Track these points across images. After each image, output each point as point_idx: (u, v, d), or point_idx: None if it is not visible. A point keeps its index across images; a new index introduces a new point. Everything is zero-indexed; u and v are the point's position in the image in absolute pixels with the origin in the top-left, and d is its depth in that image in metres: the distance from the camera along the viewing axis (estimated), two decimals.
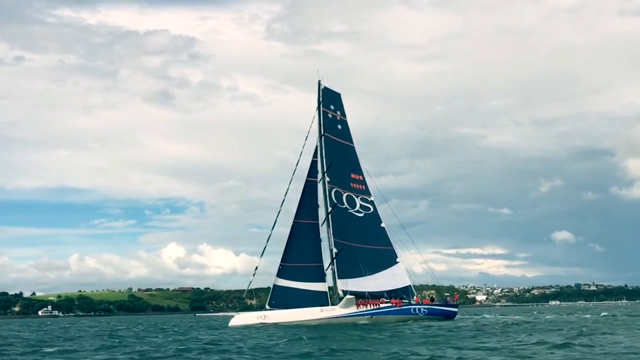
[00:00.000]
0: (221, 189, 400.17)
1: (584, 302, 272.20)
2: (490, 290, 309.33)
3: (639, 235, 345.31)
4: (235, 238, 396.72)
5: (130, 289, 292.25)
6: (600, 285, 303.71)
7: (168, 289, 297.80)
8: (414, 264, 71.95)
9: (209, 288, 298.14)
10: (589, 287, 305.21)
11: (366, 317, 62.69)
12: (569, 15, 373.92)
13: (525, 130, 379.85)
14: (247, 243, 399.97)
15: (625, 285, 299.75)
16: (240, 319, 63.37)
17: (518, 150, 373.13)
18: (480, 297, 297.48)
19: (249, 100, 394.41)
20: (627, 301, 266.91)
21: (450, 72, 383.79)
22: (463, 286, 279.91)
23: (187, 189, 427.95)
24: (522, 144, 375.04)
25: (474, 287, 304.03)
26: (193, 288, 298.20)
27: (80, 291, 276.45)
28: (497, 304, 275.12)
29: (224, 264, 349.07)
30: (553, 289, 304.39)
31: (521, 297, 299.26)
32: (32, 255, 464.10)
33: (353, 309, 62.94)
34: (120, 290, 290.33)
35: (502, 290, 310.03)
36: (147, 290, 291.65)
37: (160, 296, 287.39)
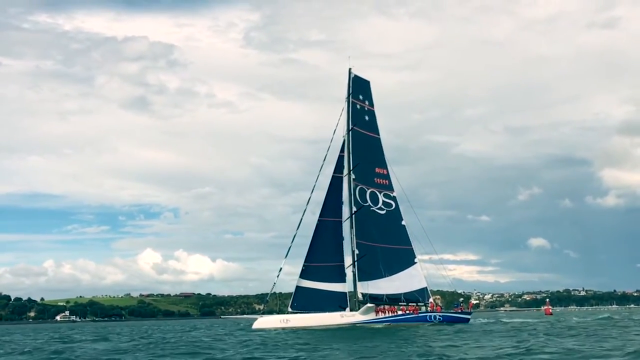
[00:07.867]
0: (196, 195, 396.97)
1: (575, 306, 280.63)
2: (481, 296, 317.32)
3: (611, 242, 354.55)
4: (211, 244, 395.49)
5: (128, 294, 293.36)
6: (590, 290, 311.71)
7: (169, 295, 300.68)
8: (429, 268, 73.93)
9: (210, 293, 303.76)
10: (579, 293, 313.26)
11: (384, 323, 66.31)
12: (542, 27, 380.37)
13: (499, 138, 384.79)
14: (223, 249, 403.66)
15: (614, 291, 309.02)
16: (263, 322, 64.19)
17: (492, 158, 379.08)
18: (476, 303, 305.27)
19: (226, 107, 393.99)
20: (617, 306, 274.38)
21: (426, 82, 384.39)
22: (458, 291, 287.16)
23: (162, 195, 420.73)
24: (496, 151, 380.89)
25: (463, 291, 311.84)
26: (194, 294, 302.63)
27: (80, 296, 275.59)
28: (502, 308, 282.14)
29: (202, 270, 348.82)
30: (543, 294, 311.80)
31: (514, 302, 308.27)
32: (6, 262, 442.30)
33: (372, 316, 67.04)
34: (121, 296, 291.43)
35: (492, 296, 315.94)
36: (149, 295, 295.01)
37: (164, 301, 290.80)
